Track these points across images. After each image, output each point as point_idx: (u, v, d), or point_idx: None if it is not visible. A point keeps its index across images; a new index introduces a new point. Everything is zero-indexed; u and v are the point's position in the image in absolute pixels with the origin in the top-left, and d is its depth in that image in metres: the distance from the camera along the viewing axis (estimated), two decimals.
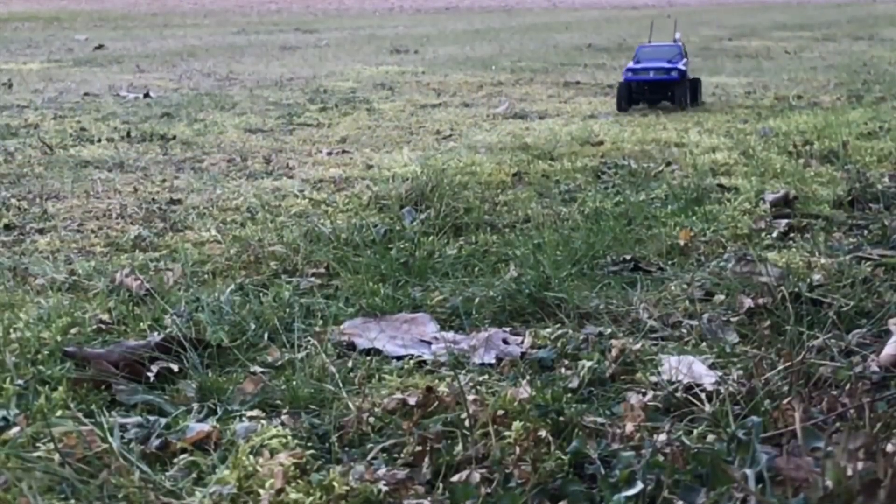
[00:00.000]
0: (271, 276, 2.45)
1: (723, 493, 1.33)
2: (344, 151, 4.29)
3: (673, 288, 2.36)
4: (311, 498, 1.39)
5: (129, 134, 4.56)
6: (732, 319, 2.13)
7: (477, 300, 2.25)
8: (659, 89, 5.47)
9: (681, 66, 5.42)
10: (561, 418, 1.60)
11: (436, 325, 2.13)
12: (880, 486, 1.22)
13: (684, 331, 2.09)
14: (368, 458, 1.52)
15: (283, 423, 1.62)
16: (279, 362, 1.89)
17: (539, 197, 3.35)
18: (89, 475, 1.44)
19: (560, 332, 2.05)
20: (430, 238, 2.76)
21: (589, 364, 1.84)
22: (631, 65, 5.51)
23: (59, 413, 1.64)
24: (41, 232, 2.89)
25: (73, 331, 2.02)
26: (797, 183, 3.51)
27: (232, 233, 2.86)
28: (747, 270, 2.43)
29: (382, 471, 1.45)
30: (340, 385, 1.74)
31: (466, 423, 1.57)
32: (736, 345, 1.98)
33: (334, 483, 1.41)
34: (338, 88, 6.56)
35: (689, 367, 1.81)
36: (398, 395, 1.69)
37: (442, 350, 1.97)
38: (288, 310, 2.16)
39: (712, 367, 1.85)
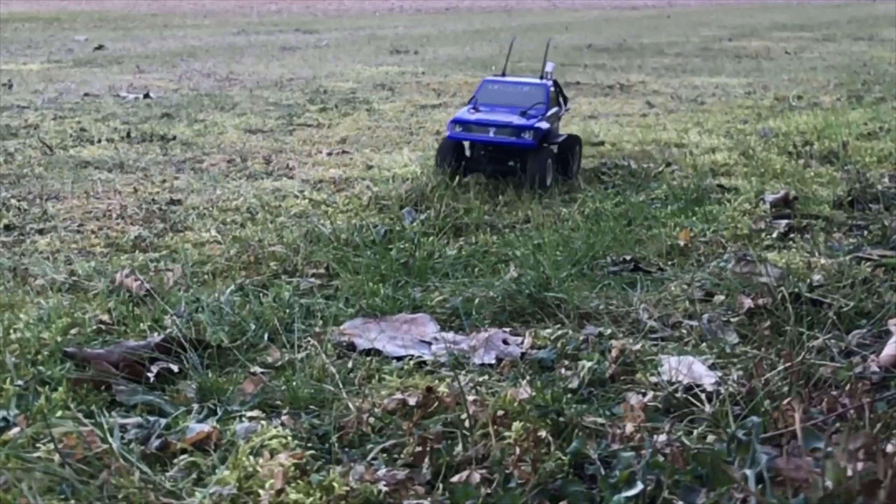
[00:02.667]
0: (271, 276, 2.45)
1: (723, 493, 1.33)
2: (344, 152, 4.29)
3: (673, 288, 2.36)
4: (311, 498, 1.39)
5: (129, 134, 4.56)
6: (732, 320, 2.13)
7: (477, 300, 2.25)
8: (503, 156, 3.44)
9: (541, 123, 3.37)
10: (561, 419, 1.60)
11: (436, 325, 2.13)
12: (880, 487, 1.22)
13: (684, 331, 2.09)
14: (368, 458, 1.52)
15: (283, 424, 1.62)
16: (279, 363, 1.89)
17: (539, 197, 3.35)
18: (89, 476, 1.44)
19: (560, 332, 2.05)
20: (430, 238, 2.76)
21: (589, 364, 1.84)
22: (462, 113, 3.47)
23: (59, 413, 1.64)
24: (41, 232, 2.89)
25: (73, 331, 2.02)
26: (797, 183, 3.51)
27: (232, 233, 2.86)
28: (747, 271, 2.43)
29: (382, 471, 1.45)
30: (340, 385, 1.74)
31: (466, 423, 1.57)
32: (736, 345, 1.98)
33: (334, 483, 1.41)
34: (338, 89, 6.56)
35: (688, 368, 1.81)
36: (398, 396, 1.69)
37: (442, 350, 1.97)
38: (288, 310, 2.16)
39: (712, 367, 1.85)
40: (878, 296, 2.23)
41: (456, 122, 3.41)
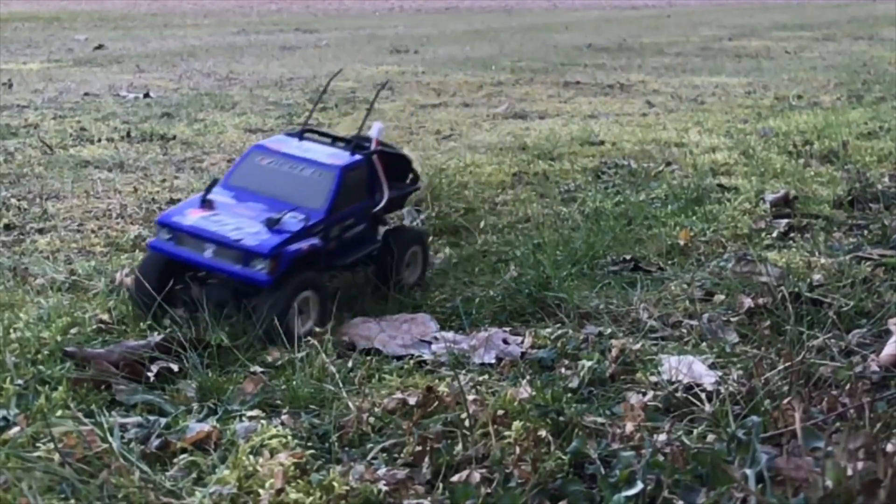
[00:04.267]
0: None
1: (723, 493, 1.33)
2: None
3: (673, 288, 2.36)
4: (311, 498, 1.39)
5: (129, 134, 4.56)
6: (732, 319, 2.13)
7: (477, 300, 2.25)
8: (229, 290, 2.12)
9: (294, 243, 2.07)
10: (561, 418, 1.60)
11: (436, 324, 2.13)
12: (880, 486, 1.22)
13: (684, 331, 2.09)
14: (368, 458, 1.52)
15: (283, 423, 1.62)
16: (279, 362, 1.89)
17: (539, 197, 3.35)
18: (89, 475, 1.44)
19: (560, 332, 2.06)
20: (431, 238, 2.76)
21: (589, 364, 1.84)
22: (180, 208, 2.19)
23: (59, 413, 1.64)
24: (41, 232, 2.89)
25: (73, 331, 2.02)
26: (797, 183, 3.51)
27: None
28: (747, 270, 2.43)
29: (382, 471, 1.45)
30: (340, 385, 1.74)
31: (466, 423, 1.57)
32: (736, 345, 1.98)
33: (334, 483, 1.41)
34: (338, 88, 6.55)
35: (689, 367, 1.81)
36: (398, 395, 1.69)
37: (442, 350, 1.97)
38: None
39: (712, 367, 1.85)
40: (878, 295, 2.23)
41: (164, 223, 2.12)
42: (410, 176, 2.45)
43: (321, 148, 2.30)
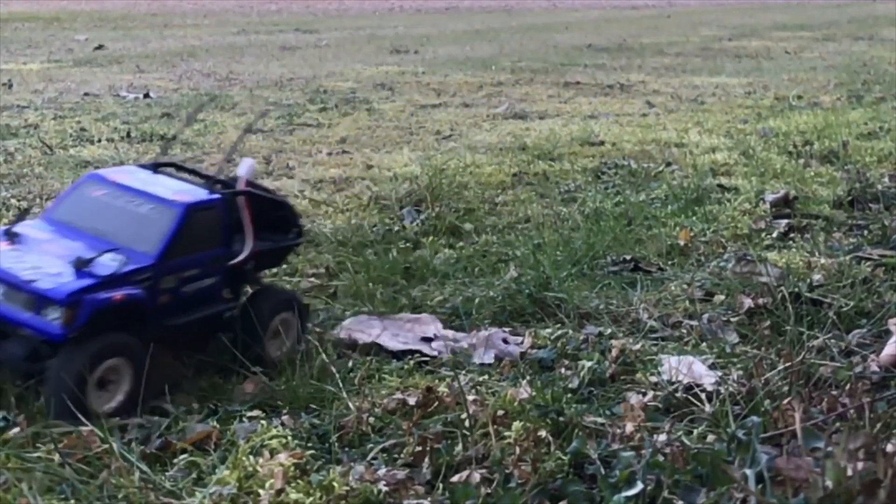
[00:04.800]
0: (272, 276, 2.45)
1: (723, 493, 1.33)
2: (344, 152, 4.29)
3: (673, 288, 2.36)
4: (311, 498, 1.39)
5: (129, 134, 4.56)
6: (732, 319, 2.13)
7: (477, 300, 2.25)
8: (26, 348, 1.68)
9: (104, 291, 1.64)
10: (561, 418, 1.60)
11: (440, 325, 2.13)
12: (880, 486, 1.22)
13: (684, 331, 2.09)
14: (368, 458, 1.52)
15: (283, 424, 1.62)
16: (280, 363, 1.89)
17: (539, 197, 3.35)
18: (89, 475, 1.44)
19: (560, 332, 2.06)
20: (431, 238, 2.76)
21: (589, 364, 1.84)
22: None
23: None
24: None
25: None
26: (797, 183, 3.51)
27: None
28: (747, 270, 2.43)
29: (382, 471, 1.45)
30: (340, 385, 1.74)
31: (466, 423, 1.57)
32: (736, 345, 1.99)
33: (334, 483, 1.41)
34: (338, 88, 6.55)
35: (689, 368, 1.81)
36: (398, 395, 1.69)
37: (443, 346, 1.97)
38: None
39: (712, 367, 1.85)
40: (878, 296, 2.23)
41: None
42: (295, 230, 2.04)
43: (170, 182, 1.91)
